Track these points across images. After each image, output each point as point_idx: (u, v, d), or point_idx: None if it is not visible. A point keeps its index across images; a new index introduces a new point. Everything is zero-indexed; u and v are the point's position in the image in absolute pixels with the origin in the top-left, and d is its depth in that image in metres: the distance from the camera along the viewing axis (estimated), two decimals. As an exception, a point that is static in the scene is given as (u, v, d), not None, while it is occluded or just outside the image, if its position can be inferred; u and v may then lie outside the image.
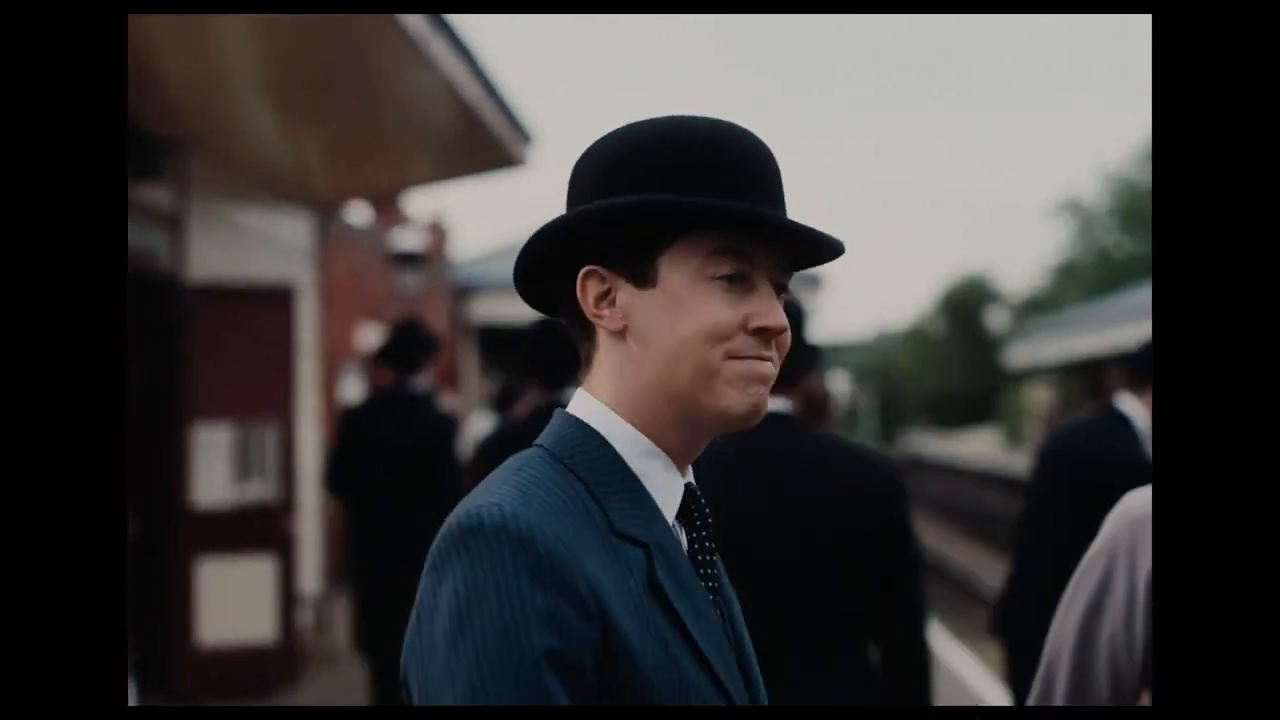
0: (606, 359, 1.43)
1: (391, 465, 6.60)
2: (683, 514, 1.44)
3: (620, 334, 1.41)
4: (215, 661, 8.04)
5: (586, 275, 1.41)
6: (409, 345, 6.89)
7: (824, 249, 1.43)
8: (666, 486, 1.42)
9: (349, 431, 6.85)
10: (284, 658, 8.41)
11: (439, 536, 1.31)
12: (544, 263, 1.45)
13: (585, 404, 1.44)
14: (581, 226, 1.40)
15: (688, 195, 1.37)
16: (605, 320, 1.41)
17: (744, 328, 1.39)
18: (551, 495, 1.33)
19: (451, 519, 1.31)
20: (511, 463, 1.41)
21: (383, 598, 6.46)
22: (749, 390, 1.39)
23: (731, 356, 1.39)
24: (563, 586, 1.25)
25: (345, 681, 8.78)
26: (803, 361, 3.09)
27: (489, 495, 1.32)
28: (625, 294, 1.40)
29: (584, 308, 1.41)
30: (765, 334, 1.39)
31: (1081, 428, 4.82)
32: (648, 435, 1.41)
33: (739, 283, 1.39)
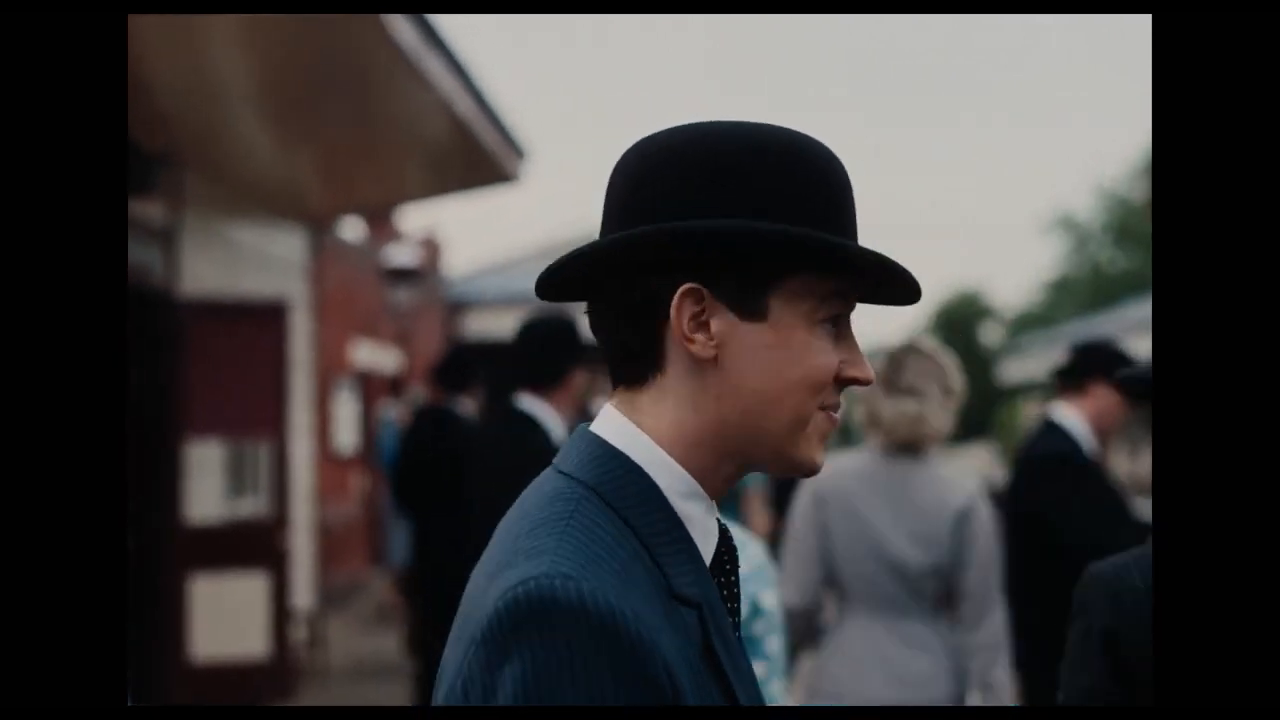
0: (676, 386, 1.29)
1: (448, 478, 6.93)
2: (713, 557, 1.34)
3: (705, 363, 1.28)
4: (208, 676, 8.02)
5: (686, 294, 1.26)
6: (462, 367, 7.25)
7: (899, 297, 1.36)
8: (706, 530, 1.31)
9: (409, 448, 7.17)
10: (276, 673, 8.39)
11: (500, 607, 1.14)
12: (624, 266, 1.29)
13: (624, 432, 1.30)
14: (701, 242, 1.25)
15: (801, 226, 1.26)
16: (697, 345, 1.27)
17: (837, 376, 1.31)
18: (615, 557, 1.19)
19: (518, 589, 1.14)
20: (551, 501, 1.26)
21: (443, 604, 6.77)
22: (824, 444, 1.32)
23: (823, 407, 1.31)
24: (646, 680, 1.12)
25: (338, 696, 8.77)
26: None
27: (552, 556, 1.16)
28: (724, 322, 1.27)
29: (677, 327, 1.26)
30: (853, 383, 1.32)
31: (1025, 445, 4.85)
32: (694, 475, 1.30)
33: (836, 326, 1.31)
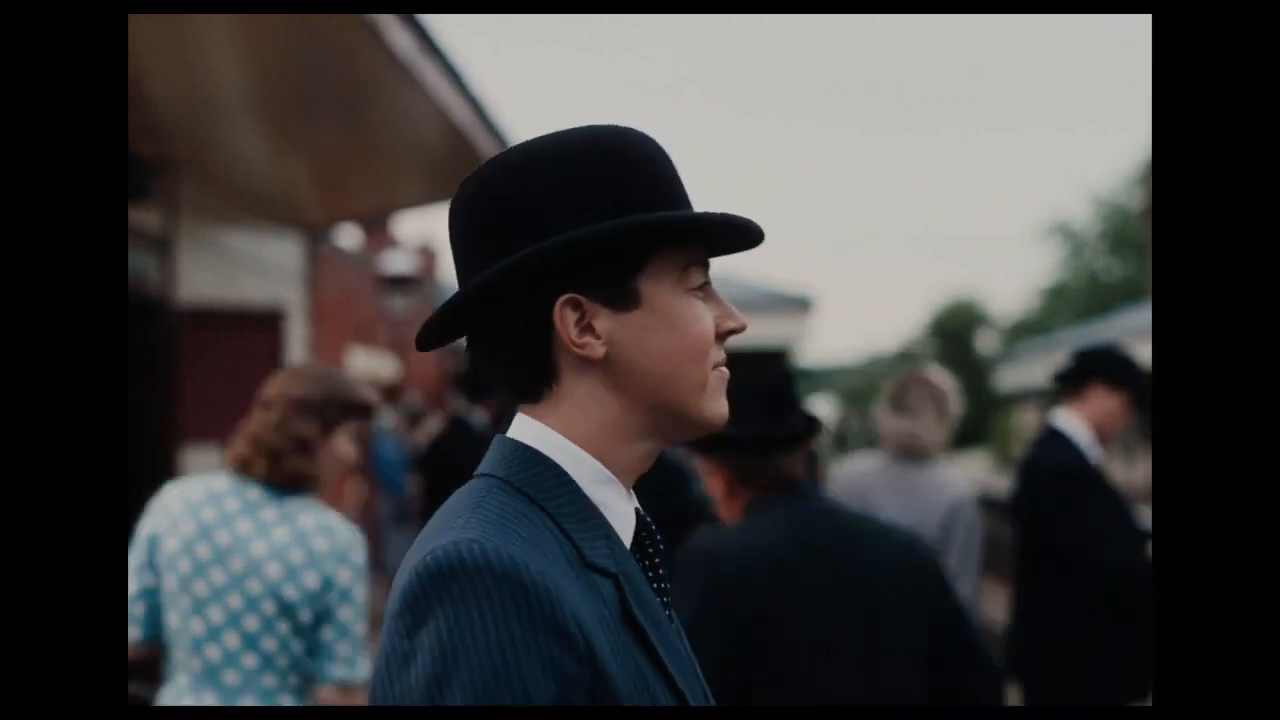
0: (573, 391, 1.37)
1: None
2: (634, 540, 1.41)
3: (596, 362, 1.35)
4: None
5: (564, 305, 1.34)
6: (479, 377, 7.32)
7: (746, 243, 1.45)
8: (622, 514, 1.39)
9: (437, 462, 7.20)
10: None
11: (412, 577, 1.22)
12: (497, 301, 1.36)
13: (534, 431, 1.38)
14: (565, 256, 1.32)
15: (639, 209, 1.35)
16: (587, 349, 1.35)
17: (716, 334, 1.40)
18: (524, 528, 1.27)
19: (427, 558, 1.22)
20: (467, 495, 1.34)
21: None
22: (723, 396, 1.42)
23: (714, 365, 1.40)
24: (555, 627, 1.19)
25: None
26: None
27: (462, 530, 1.24)
28: (605, 320, 1.35)
29: (565, 338, 1.34)
30: (731, 335, 1.41)
31: (1028, 452, 4.84)
32: (602, 462, 1.37)
33: (701, 289, 1.40)
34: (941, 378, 4.83)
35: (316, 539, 3.02)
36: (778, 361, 3.08)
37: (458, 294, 1.37)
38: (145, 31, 5.43)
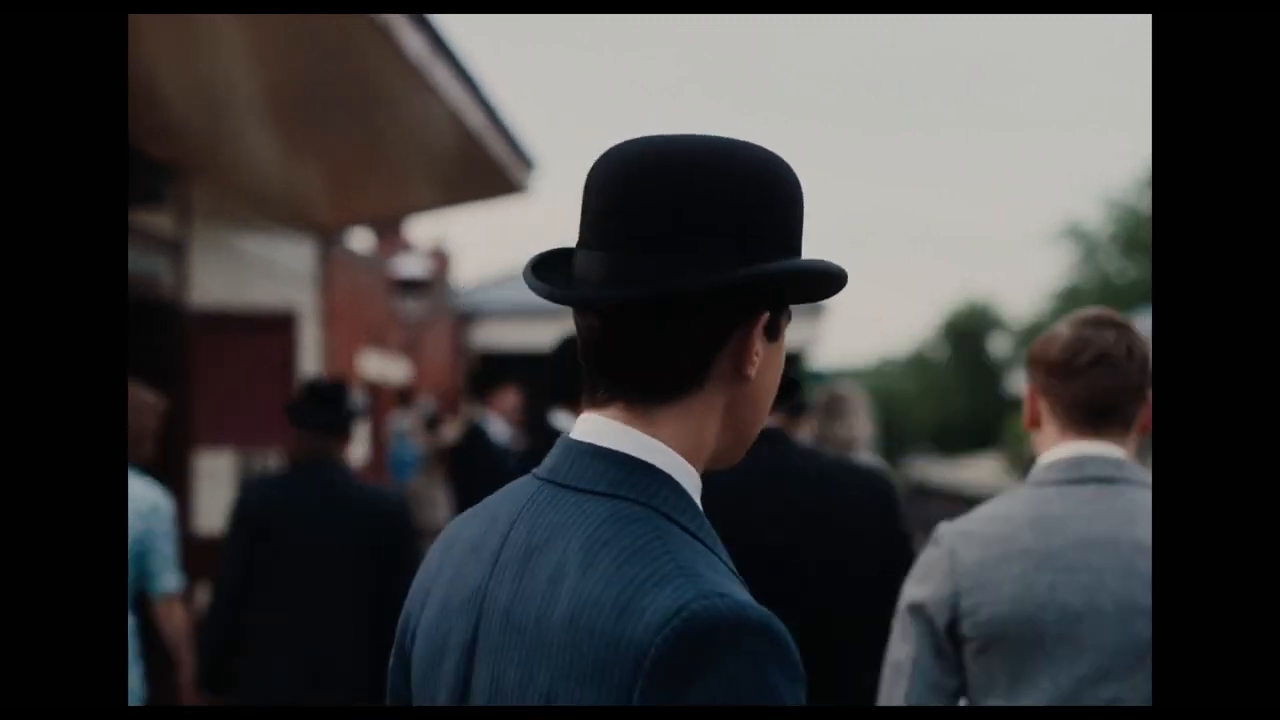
0: (708, 400, 1.35)
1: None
2: None
3: (740, 379, 1.35)
4: (216, 688, 8.00)
5: (764, 322, 1.35)
6: (489, 378, 7.65)
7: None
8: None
9: (469, 461, 7.43)
10: (285, 684, 8.38)
11: (668, 633, 1.18)
12: (705, 302, 1.32)
13: (644, 444, 1.34)
14: (790, 280, 1.36)
15: (801, 251, 1.38)
16: (751, 366, 1.35)
17: None
18: (719, 567, 1.26)
19: (681, 613, 1.18)
20: (624, 526, 1.28)
21: None
22: None
23: None
24: (800, 674, 1.21)
25: (346, 708, 8.76)
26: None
27: (686, 578, 1.21)
28: (761, 346, 1.35)
29: (747, 350, 1.33)
30: None
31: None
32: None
33: None
34: (855, 389, 6.39)
35: (135, 500, 4.30)
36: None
37: (676, 287, 1.30)
38: (158, 35, 5.45)
